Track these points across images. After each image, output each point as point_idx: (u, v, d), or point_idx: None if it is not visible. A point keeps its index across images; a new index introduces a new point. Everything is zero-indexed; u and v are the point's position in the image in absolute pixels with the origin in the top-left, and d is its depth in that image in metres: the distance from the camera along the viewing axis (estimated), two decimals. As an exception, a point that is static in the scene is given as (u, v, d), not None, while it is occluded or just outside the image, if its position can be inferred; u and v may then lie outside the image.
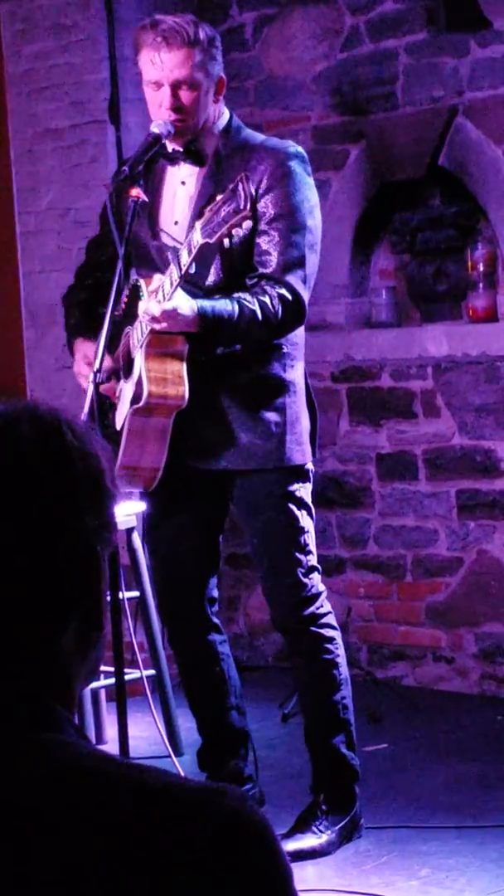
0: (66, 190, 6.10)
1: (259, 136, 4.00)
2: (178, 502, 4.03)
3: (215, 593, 4.19)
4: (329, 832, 3.99)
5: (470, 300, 5.63)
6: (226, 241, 3.64)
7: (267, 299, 3.77)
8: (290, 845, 3.89)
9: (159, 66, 3.82)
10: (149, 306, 3.71)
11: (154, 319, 3.69)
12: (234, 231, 3.58)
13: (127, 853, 1.25)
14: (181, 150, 3.90)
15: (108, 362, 3.81)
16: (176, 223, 3.95)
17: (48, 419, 1.39)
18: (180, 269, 3.65)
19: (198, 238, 3.59)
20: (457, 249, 5.71)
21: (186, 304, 3.70)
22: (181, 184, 3.96)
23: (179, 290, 3.70)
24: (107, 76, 5.97)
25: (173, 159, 3.93)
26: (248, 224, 3.79)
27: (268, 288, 3.79)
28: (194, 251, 3.61)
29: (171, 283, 3.68)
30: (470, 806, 4.32)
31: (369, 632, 5.94)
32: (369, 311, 5.96)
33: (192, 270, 3.68)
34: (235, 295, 3.79)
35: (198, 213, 3.85)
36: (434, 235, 5.75)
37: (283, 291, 3.79)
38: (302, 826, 4.00)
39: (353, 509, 5.95)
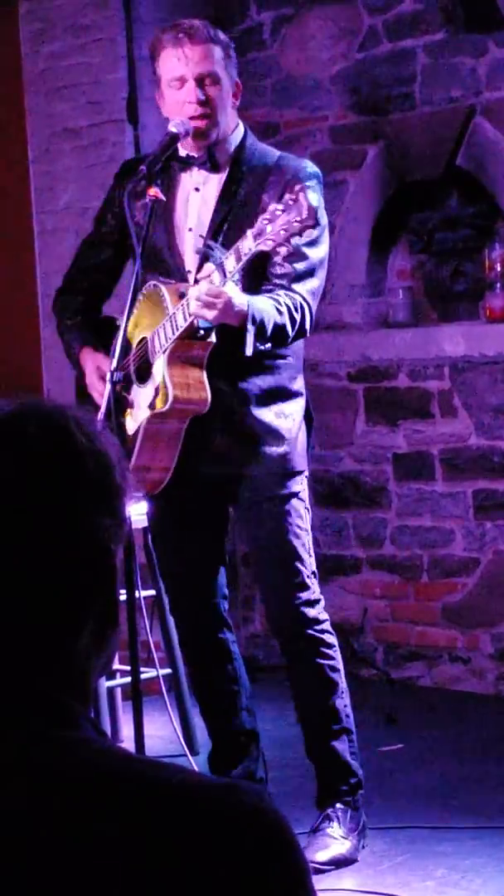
0: (83, 189, 6.10)
1: (275, 151, 4.00)
2: (181, 503, 4.02)
3: (225, 590, 4.18)
4: (351, 837, 3.94)
5: (487, 300, 5.62)
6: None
7: (291, 305, 3.78)
8: (321, 855, 3.84)
9: (184, 60, 3.83)
10: (202, 289, 3.66)
11: (208, 305, 3.65)
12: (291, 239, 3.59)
13: (146, 850, 1.25)
14: (200, 154, 3.89)
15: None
16: (190, 230, 3.94)
17: (56, 418, 1.38)
18: (224, 276, 3.64)
19: (249, 245, 3.58)
20: (474, 249, 5.70)
21: (237, 295, 3.68)
22: (195, 190, 3.95)
23: (230, 283, 3.69)
24: (125, 76, 5.97)
25: (186, 165, 3.93)
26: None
27: (288, 295, 3.80)
28: (244, 258, 3.60)
29: (218, 282, 3.66)
30: (486, 807, 4.31)
31: (385, 632, 5.93)
32: (386, 310, 5.95)
33: (237, 278, 3.68)
34: (269, 294, 3.78)
35: (221, 222, 3.86)
36: (451, 235, 5.74)
37: (300, 300, 3.81)
38: (321, 836, 3.92)
39: (370, 509, 5.95)
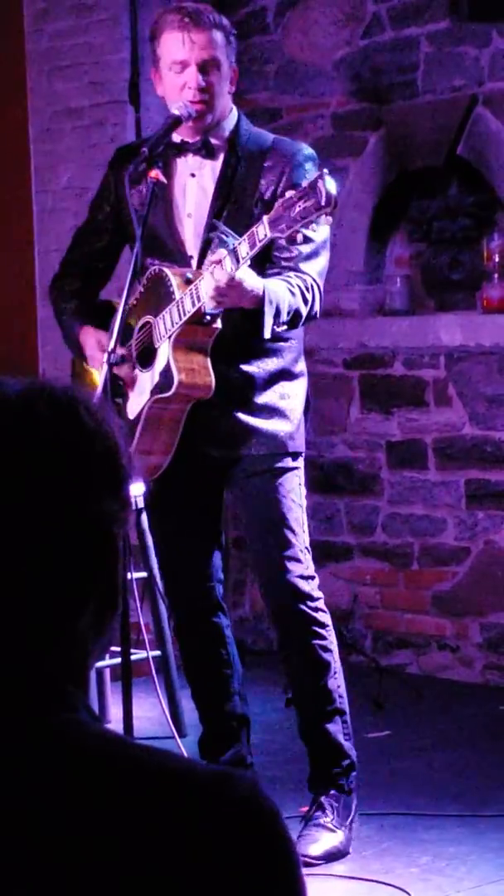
0: (83, 170, 6.10)
1: (269, 135, 4.00)
2: (180, 486, 4.02)
3: (221, 575, 4.18)
4: (344, 827, 3.92)
5: (484, 290, 5.63)
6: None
7: (302, 286, 3.79)
8: (314, 849, 3.81)
9: (188, 45, 3.83)
10: (217, 276, 3.64)
11: (220, 290, 3.65)
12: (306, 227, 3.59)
13: (138, 837, 1.25)
14: (195, 140, 3.89)
15: (119, 349, 3.82)
16: (189, 215, 3.94)
17: (65, 400, 1.37)
18: (237, 262, 3.62)
19: (265, 231, 3.57)
20: (473, 239, 5.71)
21: (251, 278, 3.69)
22: (191, 175, 3.95)
23: (244, 267, 3.67)
24: (127, 56, 5.96)
25: (181, 150, 3.93)
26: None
27: (298, 277, 3.81)
28: (259, 244, 3.60)
29: (230, 268, 3.64)
30: (471, 795, 4.33)
31: (375, 619, 5.95)
32: (384, 298, 5.96)
33: (249, 263, 3.66)
34: (280, 277, 3.79)
35: (221, 208, 3.85)
36: (450, 225, 5.74)
37: (311, 281, 3.82)
38: (313, 828, 3.90)
39: (362, 496, 5.96)
